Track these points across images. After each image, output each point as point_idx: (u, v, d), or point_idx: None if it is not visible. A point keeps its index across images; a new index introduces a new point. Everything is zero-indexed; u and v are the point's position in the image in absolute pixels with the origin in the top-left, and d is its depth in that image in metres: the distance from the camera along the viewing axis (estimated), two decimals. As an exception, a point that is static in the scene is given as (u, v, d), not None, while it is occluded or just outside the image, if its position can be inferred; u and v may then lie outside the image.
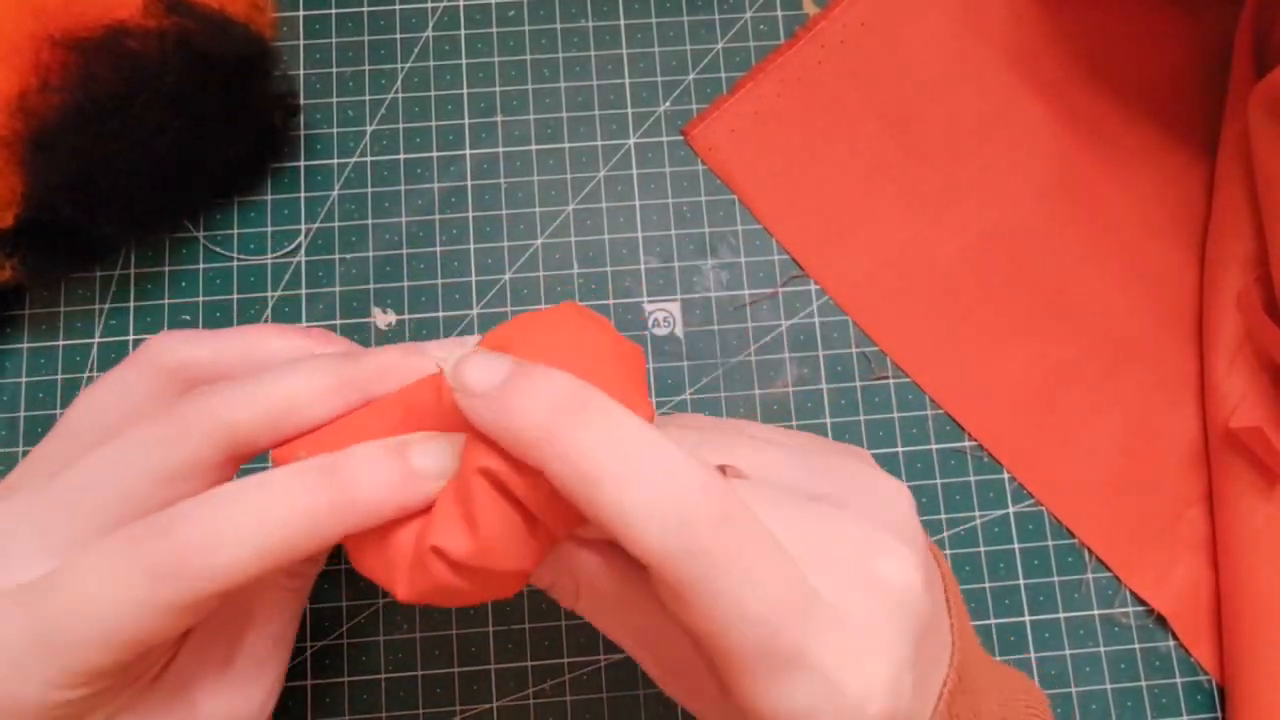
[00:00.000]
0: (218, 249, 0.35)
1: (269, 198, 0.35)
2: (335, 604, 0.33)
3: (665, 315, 0.35)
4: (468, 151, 0.36)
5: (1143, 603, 0.34)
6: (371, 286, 0.35)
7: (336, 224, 0.35)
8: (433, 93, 0.36)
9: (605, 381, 0.20)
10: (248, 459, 0.21)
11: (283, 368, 0.21)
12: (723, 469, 0.20)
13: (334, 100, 0.36)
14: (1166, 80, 0.37)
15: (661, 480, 0.17)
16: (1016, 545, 0.34)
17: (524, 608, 0.33)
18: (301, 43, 0.37)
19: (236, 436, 0.20)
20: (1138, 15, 0.38)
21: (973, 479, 0.34)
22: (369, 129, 0.36)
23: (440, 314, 0.35)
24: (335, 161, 0.36)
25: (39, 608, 0.18)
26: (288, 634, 0.23)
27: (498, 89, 0.37)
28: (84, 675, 0.18)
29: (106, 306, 0.35)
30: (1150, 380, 0.35)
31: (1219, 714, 0.33)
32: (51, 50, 0.28)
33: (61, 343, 0.34)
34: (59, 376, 0.34)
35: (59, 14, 0.28)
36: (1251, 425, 0.32)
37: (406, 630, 0.33)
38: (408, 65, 0.37)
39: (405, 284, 0.35)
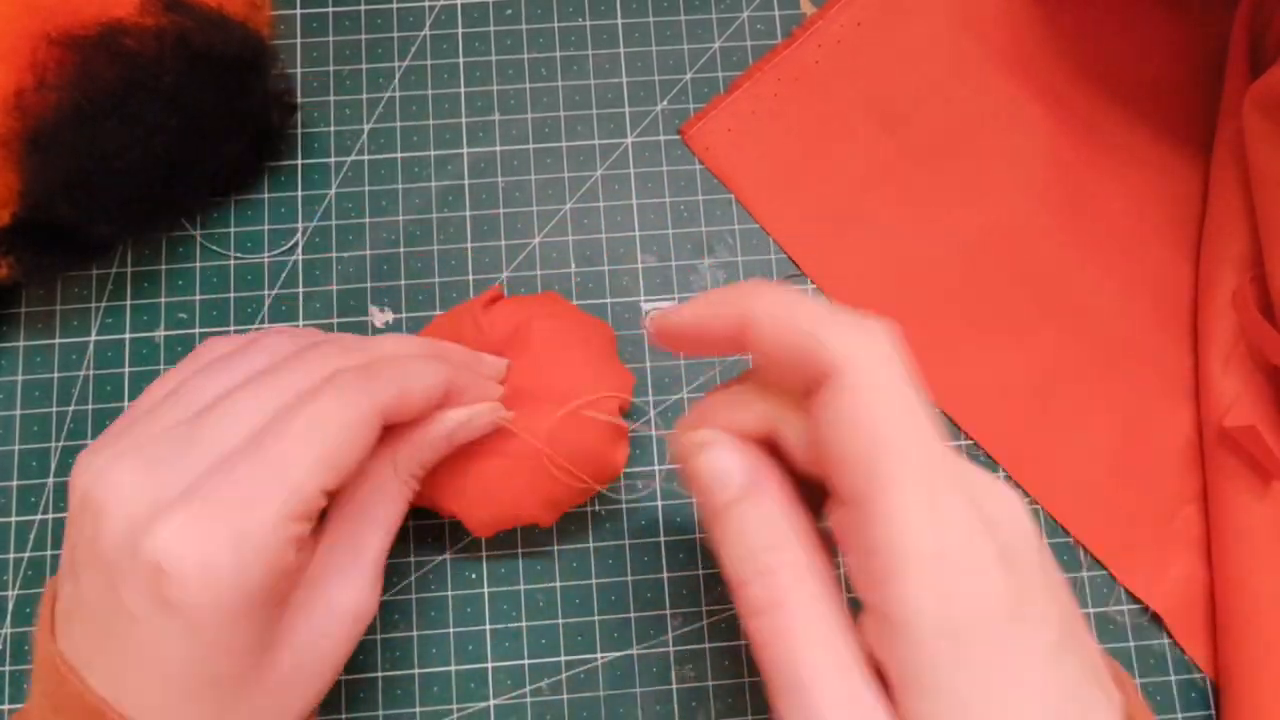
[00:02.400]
0: (215, 247, 0.35)
1: (266, 196, 0.35)
2: (332, 602, 0.33)
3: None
4: (465, 150, 0.36)
5: (1137, 601, 0.34)
6: (369, 285, 0.35)
7: (334, 222, 0.35)
8: (430, 91, 0.36)
9: (600, 353, 0.31)
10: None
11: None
12: None
13: (331, 99, 0.36)
14: (1162, 81, 0.38)
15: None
16: (1012, 544, 0.34)
17: (521, 606, 0.33)
18: (299, 41, 0.37)
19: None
20: (1133, 15, 0.38)
21: (969, 478, 0.35)
22: (366, 127, 0.36)
23: (438, 312, 0.35)
24: (332, 160, 0.36)
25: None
26: (390, 543, 0.27)
27: (495, 88, 0.37)
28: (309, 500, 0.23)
29: (103, 305, 0.35)
30: (1145, 379, 0.35)
31: (1213, 712, 0.33)
32: (48, 48, 0.28)
33: (58, 341, 0.34)
34: (55, 375, 0.34)
35: (56, 12, 0.28)
36: (1246, 424, 0.32)
37: (404, 628, 0.33)
38: (405, 64, 0.37)
39: (402, 282, 0.35)
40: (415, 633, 0.33)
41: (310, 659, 0.25)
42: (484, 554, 0.33)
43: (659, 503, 0.34)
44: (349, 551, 0.26)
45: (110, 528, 0.22)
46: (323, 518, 0.26)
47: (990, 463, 0.35)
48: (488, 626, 0.33)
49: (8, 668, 0.32)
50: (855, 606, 0.20)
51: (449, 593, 0.33)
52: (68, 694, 0.23)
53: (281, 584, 0.23)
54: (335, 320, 0.35)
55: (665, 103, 0.37)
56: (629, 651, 0.33)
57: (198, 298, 0.35)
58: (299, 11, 0.37)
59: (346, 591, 0.25)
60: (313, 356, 0.25)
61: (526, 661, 0.33)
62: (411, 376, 0.26)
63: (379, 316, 0.35)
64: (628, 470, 0.34)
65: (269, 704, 0.24)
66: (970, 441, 0.35)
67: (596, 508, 0.34)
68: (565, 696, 0.32)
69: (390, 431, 0.26)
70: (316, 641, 0.25)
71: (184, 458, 0.23)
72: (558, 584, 0.33)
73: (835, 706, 0.19)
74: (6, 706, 0.32)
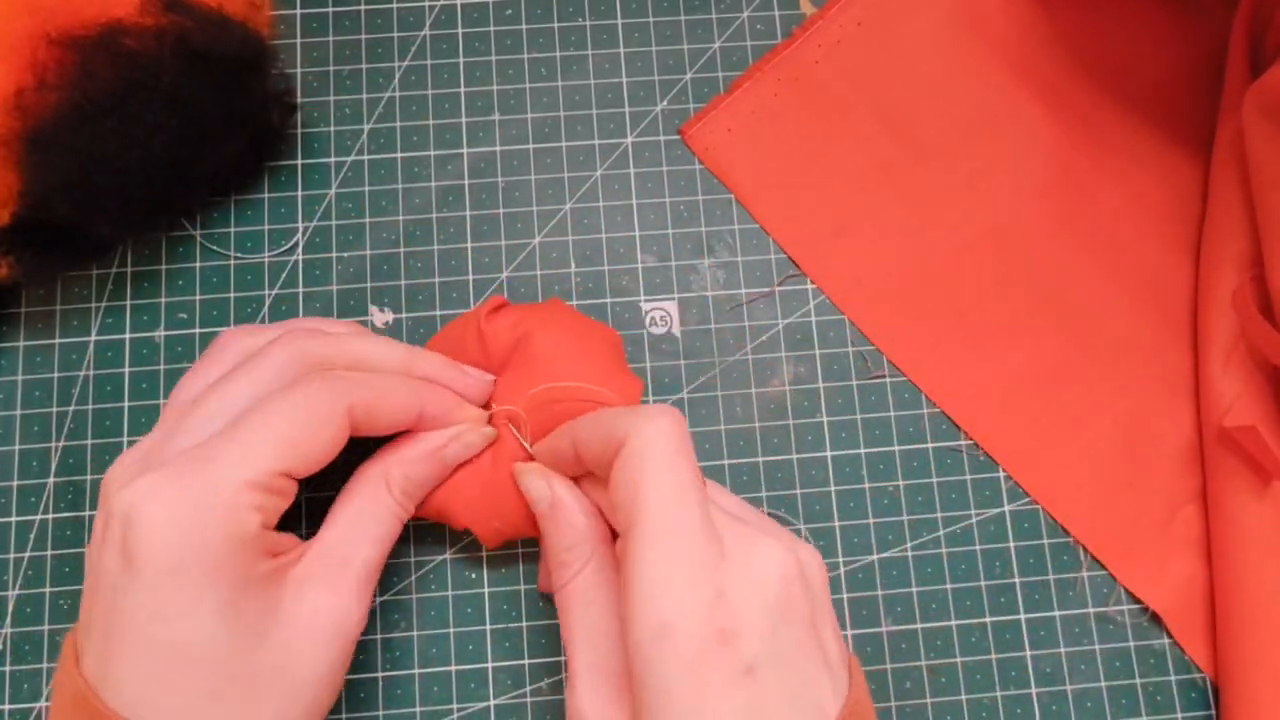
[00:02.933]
0: (215, 247, 0.35)
1: (266, 196, 0.35)
2: (332, 602, 0.33)
3: (662, 314, 0.35)
4: (465, 150, 0.36)
5: (1137, 601, 0.34)
6: (369, 285, 0.35)
7: (334, 222, 0.35)
8: (430, 91, 0.36)
9: (607, 361, 0.31)
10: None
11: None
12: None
13: (331, 98, 0.36)
14: (1162, 80, 0.38)
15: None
16: (1012, 543, 0.34)
17: (521, 606, 0.33)
18: (299, 41, 0.37)
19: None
20: (1134, 15, 0.38)
21: (968, 478, 0.35)
22: (366, 127, 0.36)
23: (438, 312, 0.35)
24: (332, 160, 0.36)
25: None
26: (382, 558, 0.28)
27: (495, 88, 0.37)
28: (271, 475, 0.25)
29: (103, 305, 0.35)
30: (1145, 379, 0.35)
31: (1213, 712, 0.33)
32: (48, 48, 0.28)
33: (58, 341, 0.34)
34: (55, 375, 0.34)
35: (56, 12, 0.28)
36: (1246, 424, 0.32)
37: (404, 628, 0.33)
38: (405, 64, 0.37)
39: (402, 282, 0.35)
40: (415, 632, 0.33)
41: (291, 662, 0.25)
42: (484, 554, 0.33)
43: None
44: (336, 560, 0.27)
45: (101, 506, 0.25)
46: (316, 532, 0.28)
47: (990, 463, 0.35)
48: (488, 626, 0.33)
49: (8, 668, 0.32)
50: None
51: (449, 592, 0.33)
52: (61, 680, 0.24)
53: (240, 554, 0.24)
54: (335, 320, 0.35)
55: (665, 103, 0.37)
56: (629, 651, 0.33)
57: (198, 298, 0.35)
58: (299, 11, 0.37)
59: (328, 598, 0.26)
60: (280, 348, 0.27)
61: (527, 661, 0.33)
62: (381, 389, 0.28)
63: (379, 316, 0.35)
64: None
65: (251, 704, 0.24)
66: (970, 442, 0.35)
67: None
68: (565, 696, 0.32)
69: (383, 449, 0.29)
70: (296, 643, 0.25)
71: (169, 443, 0.25)
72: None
73: (585, 681, 0.26)
74: (6, 706, 0.32)
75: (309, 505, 0.33)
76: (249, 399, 0.26)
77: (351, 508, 0.28)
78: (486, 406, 0.31)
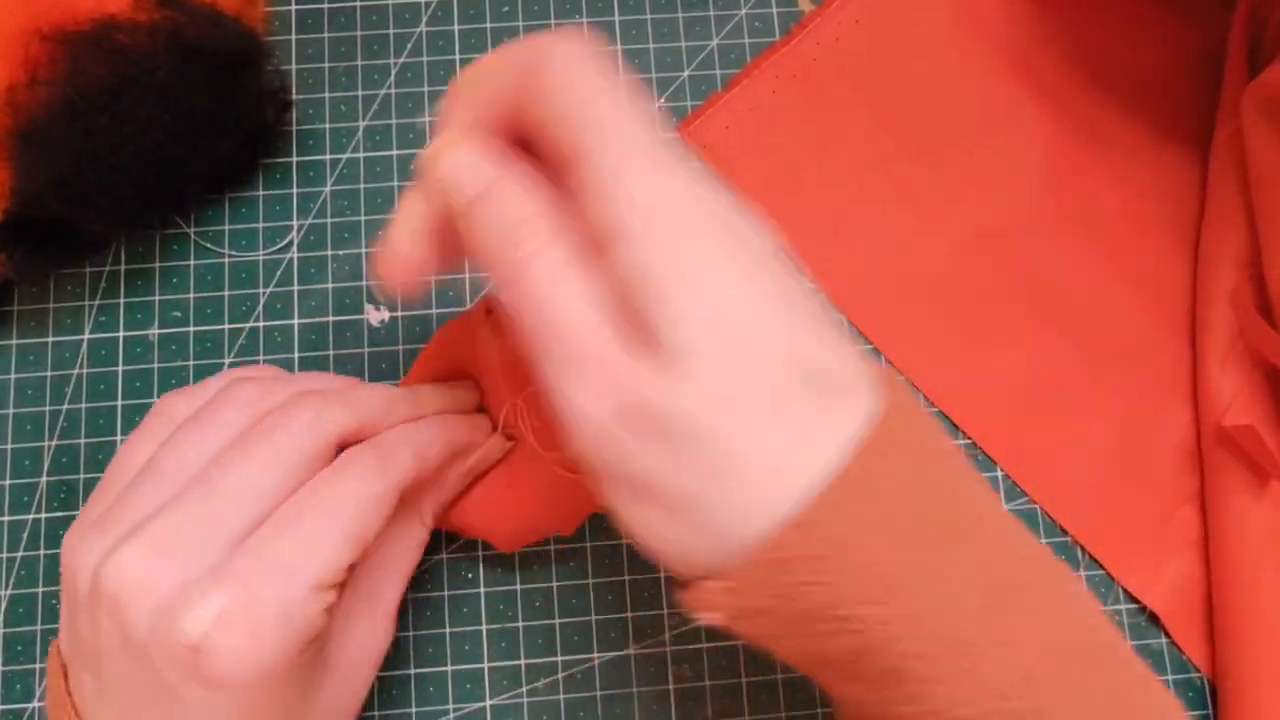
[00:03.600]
0: (209, 245, 0.35)
1: (260, 193, 0.35)
2: (328, 602, 0.33)
3: (659, 313, 0.35)
4: (461, 147, 0.36)
5: (1135, 600, 0.34)
6: (364, 283, 0.35)
7: (329, 220, 0.35)
8: (426, 88, 0.36)
9: None
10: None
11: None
12: None
13: (326, 95, 0.36)
14: (1160, 79, 0.38)
15: None
16: (1010, 543, 0.34)
17: (518, 606, 0.33)
18: (294, 37, 0.36)
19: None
20: (1132, 14, 0.38)
21: (966, 477, 0.34)
22: (362, 124, 0.36)
23: (433, 311, 0.35)
24: (328, 157, 0.36)
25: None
26: (406, 587, 0.28)
27: (491, 85, 0.36)
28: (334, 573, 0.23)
29: (96, 303, 0.34)
30: (1143, 379, 0.35)
31: (1210, 711, 0.33)
32: (40, 44, 0.28)
33: (51, 339, 0.34)
34: (48, 373, 0.34)
35: (48, 8, 0.28)
36: (1244, 424, 0.32)
37: (400, 628, 0.32)
38: (401, 60, 0.36)
39: (398, 281, 0.35)
40: (411, 633, 0.32)
41: (343, 694, 0.26)
42: (480, 554, 0.33)
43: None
44: (369, 599, 0.27)
45: (136, 617, 0.22)
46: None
47: (988, 461, 0.34)
48: (484, 626, 0.33)
49: (0, 668, 0.32)
50: None
51: (445, 593, 0.33)
52: None
53: (314, 648, 0.24)
54: (330, 319, 0.34)
55: (663, 100, 0.37)
56: (626, 651, 0.33)
57: (192, 295, 0.34)
58: (294, 7, 0.36)
59: (368, 627, 0.27)
60: (295, 414, 0.25)
61: (523, 661, 0.32)
62: (422, 456, 0.26)
63: (374, 315, 0.35)
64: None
65: None
66: (968, 440, 0.35)
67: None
68: (562, 697, 0.32)
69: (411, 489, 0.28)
70: (338, 688, 0.26)
71: (197, 537, 0.23)
72: (554, 583, 0.33)
73: (595, 335, 0.20)
74: (0, 707, 0.32)
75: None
76: (275, 481, 0.24)
77: (384, 549, 0.28)
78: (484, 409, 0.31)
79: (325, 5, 0.37)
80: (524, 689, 0.32)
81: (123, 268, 0.34)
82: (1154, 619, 0.34)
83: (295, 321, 0.34)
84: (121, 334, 0.34)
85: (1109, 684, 0.21)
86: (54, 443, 0.33)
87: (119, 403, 0.34)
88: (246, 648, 0.22)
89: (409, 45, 0.36)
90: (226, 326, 0.34)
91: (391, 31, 0.37)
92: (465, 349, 0.31)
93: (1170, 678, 0.33)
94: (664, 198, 0.20)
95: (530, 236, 0.20)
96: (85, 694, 0.24)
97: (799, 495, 0.19)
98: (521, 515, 0.30)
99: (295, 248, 0.35)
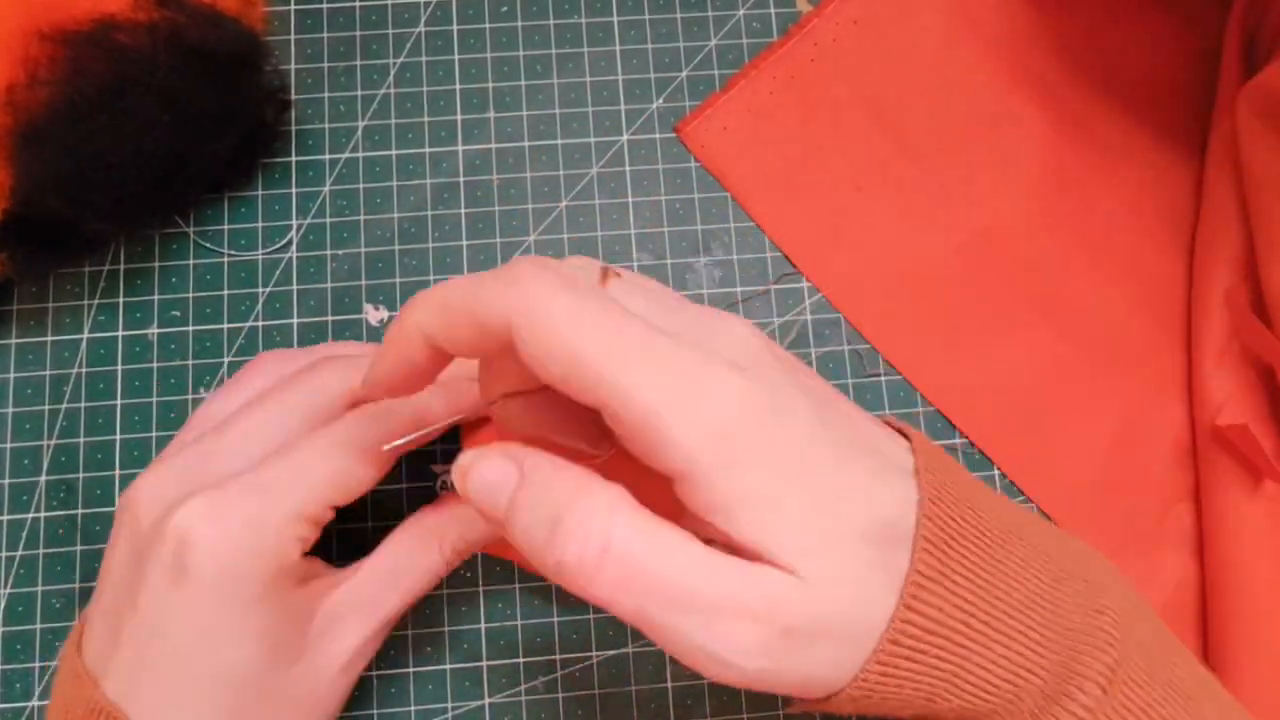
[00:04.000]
0: (208, 244, 0.35)
1: (260, 193, 0.35)
2: (327, 601, 0.33)
3: (658, 312, 0.35)
4: (460, 147, 0.36)
5: (1130, 598, 0.34)
6: (363, 283, 0.35)
7: (328, 220, 0.35)
8: (425, 88, 0.36)
9: None
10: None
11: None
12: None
13: (325, 95, 0.36)
14: (1157, 80, 0.38)
15: None
16: (1006, 542, 0.34)
17: (516, 605, 0.33)
18: (293, 37, 0.36)
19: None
20: (1129, 16, 0.38)
21: (963, 476, 0.35)
22: (361, 124, 0.36)
23: (432, 310, 0.35)
24: (327, 157, 0.36)
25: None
26: (407, 608, 0.29)
27: (490, 85, 0.36)
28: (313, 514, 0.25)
29: (95, 302, 0.34)
30: (1138, 378, 0.36)
31: (1205, 708, 0.33)
32: (40, 44, 0.28)
33: (50, 338, 0.34)
34: (47, 372, 0.34)
35: (48, 8, 0.28)
36: (1238, 423, 0.32)
37: (399, 627, 0.32)
38: (400, 60, 0.36)
39: (397, 280, 0.35)
40: (410, 631, 0.33)
41: (316, 687, 0.27)
42: (478, 553, 0.33)
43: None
44: (367, 602, 0.28)
45: (142, 515, 0.25)
46: (346, 559, 0.29)
47: (985, 460, 0.35)
48: (483, 625, 0.33)
49: (0, 666, 0.32)
50: None
51: (444, 591, 0.33)
52: (82, 698, 0.24)
53: (283, 581, 0.25)
54: (330, 318, 0.34)
55: (661, 100, 0.37)
56: (624, 650, 0.33)
57: (191, 295, 0.34)
58: (293, 7, 0.36)
59: (356, 636, 0.27)
60: (314, 375, 0.28)
61: (521, 660, 0.33)
62: (421, 410, 0.28)
63: (373, 314, 0.35)
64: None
65: None
66: (965, 440, 0.35)
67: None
68: (560, 695, 0.32)
69: (442, 509, 0.29)
70: (323, 670, 0.27)
71: (207, 463, 0.26)
72: (553, 582, 0.33)
73: (711, 580, 0.19)
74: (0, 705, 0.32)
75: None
76: (281, 427, 0.27)
77: (396, 556, 0.28)
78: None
79: (324, 5, 0.37)
80: (523, 687, 0.32)
81: (122, 267, 0.35)
82: (1149, 617, 0.34)
83: (294, 321, 0.34)
84: (121, 333, 0.34)
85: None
86: (53, 442, 0.33)
87: (118, 402, 0.34)
88: (216, 540, 0.24)
89: (408, 45, 0.37)
90: (226, 326, 0.34)
91: (390, 31, 0.37)
92: None
93: (1165, 675, 0.34)
94: (707, 433, 0.19)
95: (587, 518, 0.19)
96: (96, 650, 0.25)
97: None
98: None
99: (294, 247, 0.35)
